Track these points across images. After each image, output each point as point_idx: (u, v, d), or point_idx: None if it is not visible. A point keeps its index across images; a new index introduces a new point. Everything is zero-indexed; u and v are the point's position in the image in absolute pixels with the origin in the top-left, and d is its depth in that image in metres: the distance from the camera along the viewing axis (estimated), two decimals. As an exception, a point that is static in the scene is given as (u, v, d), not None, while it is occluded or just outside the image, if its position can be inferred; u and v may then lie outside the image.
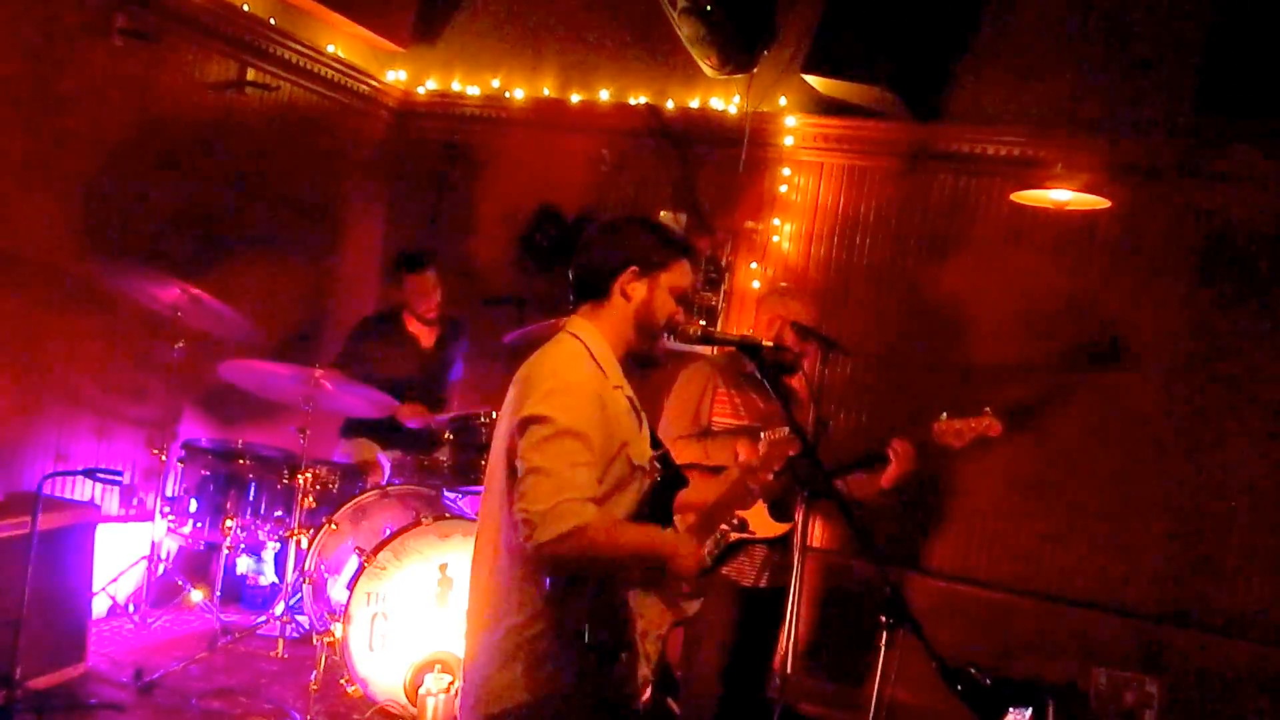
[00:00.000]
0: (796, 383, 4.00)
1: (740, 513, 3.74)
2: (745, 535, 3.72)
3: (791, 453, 3.54)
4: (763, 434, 3.70)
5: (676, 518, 2.64)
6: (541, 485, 2.21)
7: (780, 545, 3.78)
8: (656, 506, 2.50)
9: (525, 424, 2.29)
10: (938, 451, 3.65)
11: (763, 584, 3.78)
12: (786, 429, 3.57)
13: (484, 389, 5.33)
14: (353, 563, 4.27)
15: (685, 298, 2.54)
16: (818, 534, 5.23)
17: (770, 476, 2.69)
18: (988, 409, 3.60)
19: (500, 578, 2.39)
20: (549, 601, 2.33)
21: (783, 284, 4.53)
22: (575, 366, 2.39)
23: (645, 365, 2.61)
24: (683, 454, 3.79)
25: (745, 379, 3.84)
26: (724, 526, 3.73)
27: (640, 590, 2.42)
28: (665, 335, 2.56)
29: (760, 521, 3.71)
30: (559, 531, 2.18)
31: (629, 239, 2.51)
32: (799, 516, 3.75)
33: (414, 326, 5.31)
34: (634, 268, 2.46)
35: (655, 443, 2.64)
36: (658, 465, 2.55)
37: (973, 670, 4.49)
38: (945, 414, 3.60)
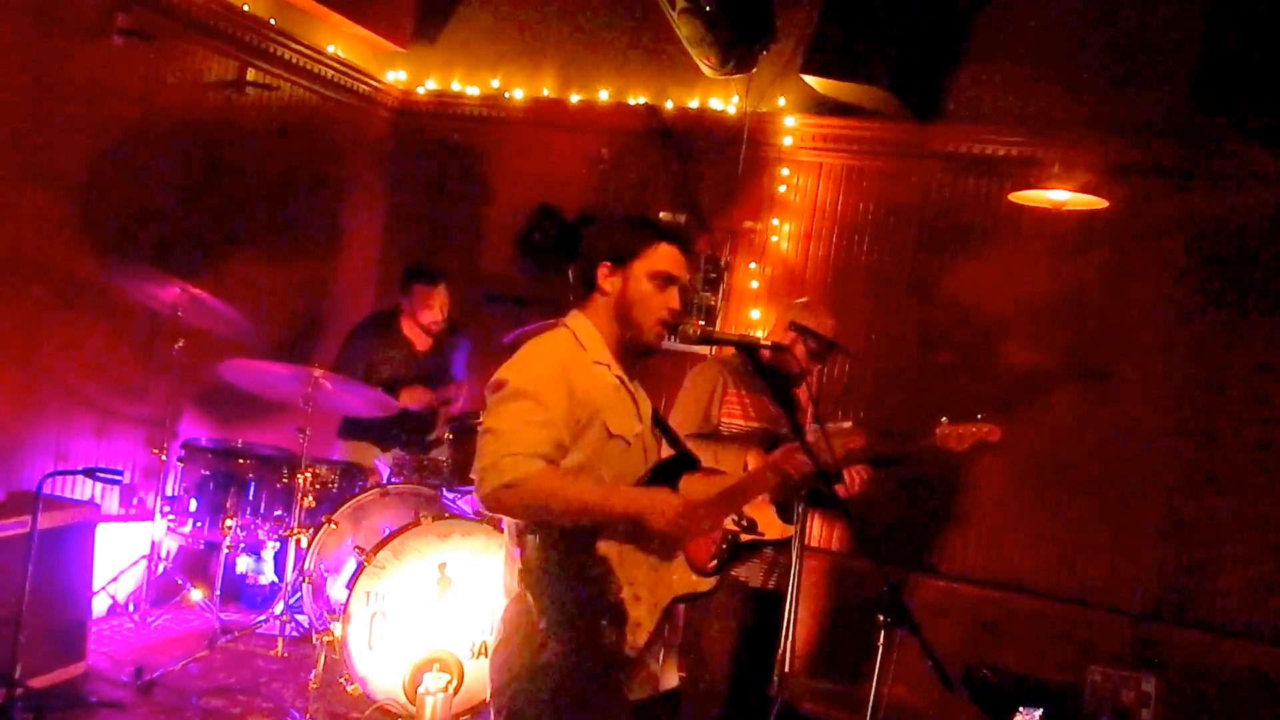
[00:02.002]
0: (800, 390, 4.00)
1: (749, 513, 3.74)
2: (755, 536, 3.72)
3: (856, 445, 3.49)
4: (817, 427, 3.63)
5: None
6: (489, 443, 2.36)
7: (786, 547, 3.78)
8: (659, 483, 2.55)
9: (489, 392, 2.45)
10: (941, 455, 3.65)
11: (770, 586, 3.79)
12: (848, 423, 3.60)
13: (483, 388, 5.34)
14: (352, 562, 4.27)
15: (672, 278, 2.55)
16: (821, 534, 5.25)
17: (804, 464, 2.76)
18: (982, 416, 3.61)
19: (505, 557, 2.53)
20: (530, 568, 2.40)
21: (802, 299, 4.41)
22: (546, 342, 2.54)
23: (642, 354, 2.63)
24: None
25: (754, 380, 3.84)
26: (733, 527, 3.73)
27: (629, 554, 2.44)
28: (663, 327, 2.57)
29: (769, 523, 3.71)
30: (496, 484, 2.30)
31: (604, 235, 2.61)
32: (799, 517, 3.76)
33: (410, 330, 5.31)
34: (607, 263, 2.55)
35: (663, 427, 2.71)
36: (659, 444, 2.64)
37: (985, 671, 4.53)
38: (945, 418, 3.61)
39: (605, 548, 2.40)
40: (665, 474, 2.60)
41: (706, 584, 2.61)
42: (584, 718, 2.42)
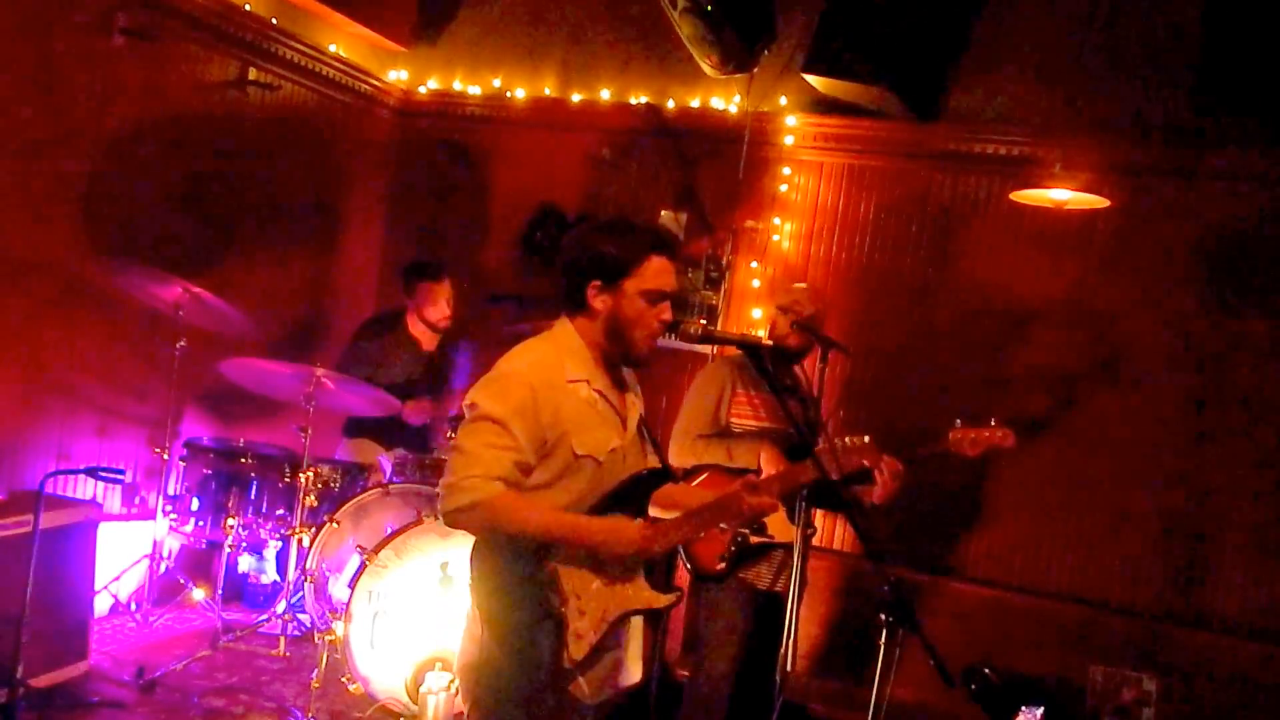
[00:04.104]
0: (802, 374, 4.00)
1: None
2: (764, 539, 3.72)
3: (805, 481, 3.45)
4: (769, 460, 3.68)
5: (658, 511, 2.66)
6: (454, 461, 2.40)
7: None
8: (628, 497, 2.55)
9: (465, 409, 2.47)
10: (953, 459, 3.63)
11: (779, 588, 3.78)
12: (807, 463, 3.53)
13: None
14: (354, 561, 4.28)
15: (664, 294, 2.50)
16: (829, 535, 5.24)
17: (773, 500, 2.68)
18: (995, 420, 3.58)
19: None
20: (477, 577, 2.49)
21: (798, 284, 4.41)
22: (520, 358, 2.50)
23: (635, 366, 2.63)
24: (705, 454, 3.80)
25: (762, 379, 3.84)
26: (743, 529, 3.73)
27: (579, 569, 2.44)
28: (655, 340, 2.54)
29: (779, 526, 3.71)
30: (458, 504, 2.35)
31: (590, 251, 2.50)
32: (800, 518, 3.76)
33: (416, 330, 5.31)
34: (596, 282, 2.48)
35: (649, 435, 2.70)
36: (646, 452, 2.64)
37: (986, 671, 4.53)
38: (959, 421, 3.58)
39: (554, 562, 2.41)
40: (639, 486, 2.59)
41: (664, 600, 2.58)
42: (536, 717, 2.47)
